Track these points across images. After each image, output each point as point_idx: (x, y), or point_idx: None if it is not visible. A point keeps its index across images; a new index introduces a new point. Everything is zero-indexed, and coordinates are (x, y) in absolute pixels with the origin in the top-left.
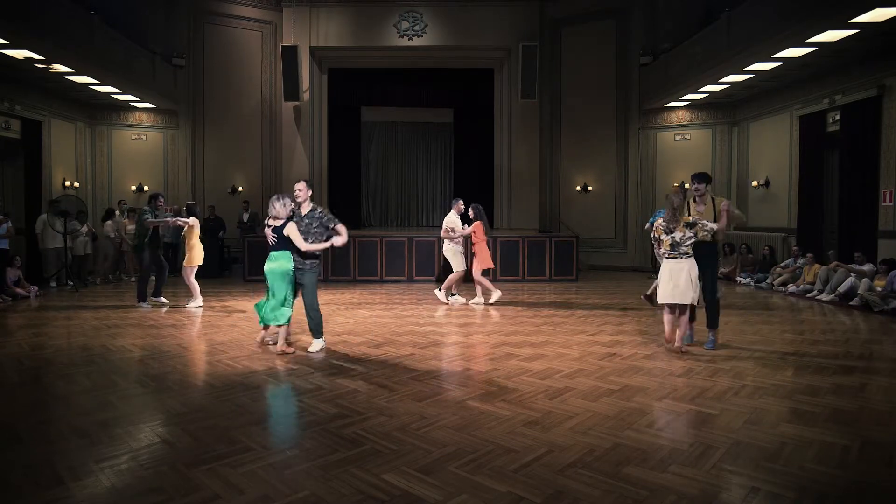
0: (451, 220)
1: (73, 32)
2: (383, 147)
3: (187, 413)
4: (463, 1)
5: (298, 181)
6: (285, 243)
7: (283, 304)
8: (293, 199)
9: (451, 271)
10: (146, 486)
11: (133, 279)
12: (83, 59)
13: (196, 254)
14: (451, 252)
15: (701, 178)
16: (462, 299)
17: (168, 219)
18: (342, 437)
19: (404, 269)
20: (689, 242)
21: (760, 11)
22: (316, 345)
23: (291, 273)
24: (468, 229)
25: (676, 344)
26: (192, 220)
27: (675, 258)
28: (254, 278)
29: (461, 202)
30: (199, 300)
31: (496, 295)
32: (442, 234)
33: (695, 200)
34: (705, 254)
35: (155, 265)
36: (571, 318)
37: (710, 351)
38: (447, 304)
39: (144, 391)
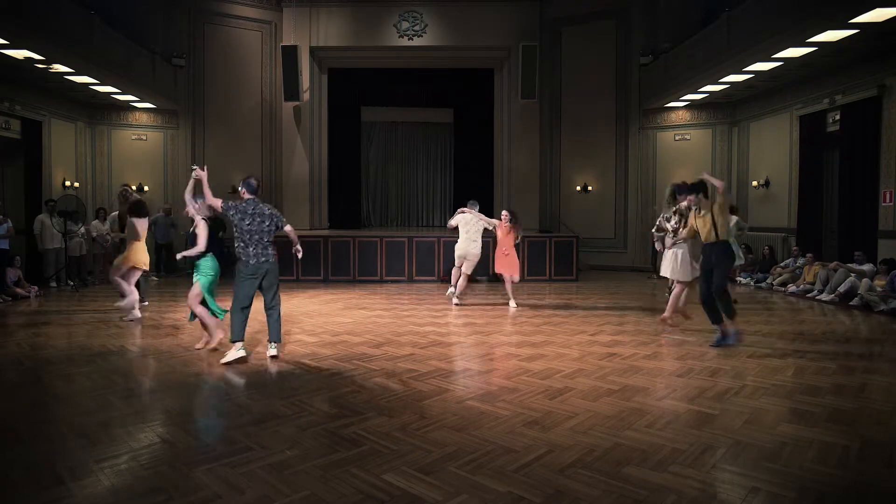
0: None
1: (73, 32)
2: (383, 147)
3: (187, 413)
4: (463, 1)
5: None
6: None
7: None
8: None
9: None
10: (146, 486)
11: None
12: (83, 59)
13: (136, 254)
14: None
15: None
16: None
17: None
18: (342, 437)
19: (404, 269)
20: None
21: (760, 11)
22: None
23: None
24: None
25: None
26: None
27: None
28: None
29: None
30: (136, 310)
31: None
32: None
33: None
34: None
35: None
36: (571, 318)
37: (713, 349)
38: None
39: (144, 391)
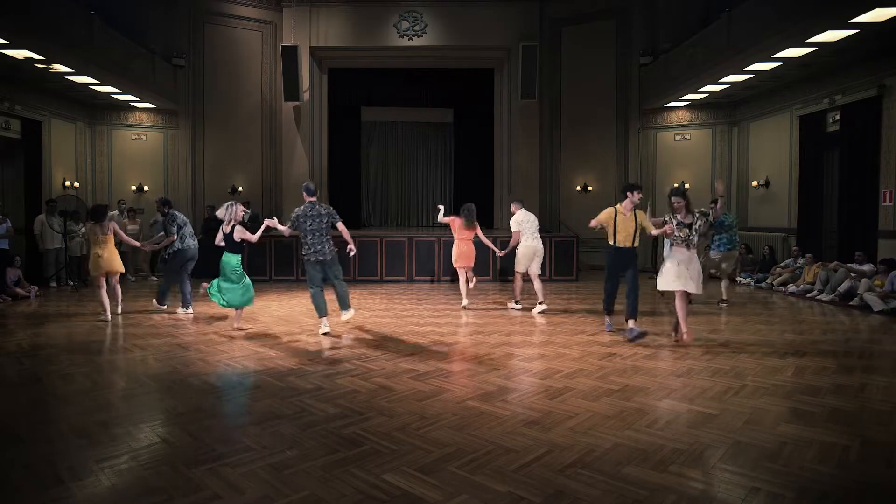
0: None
1: (73, 32)
2: (383, 147)
3: (187, 413)
4: (463, 1)
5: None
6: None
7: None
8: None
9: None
10: (146, 486)
11: (133, 279)
12: (83, 59)
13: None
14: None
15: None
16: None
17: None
18: (342, 437)
19: (404, 269)
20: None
21: (760, 11)
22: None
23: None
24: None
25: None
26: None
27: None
28: (254, 278)
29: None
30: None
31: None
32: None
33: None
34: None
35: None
36: (571, 318)
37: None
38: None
39: (144, 391)
